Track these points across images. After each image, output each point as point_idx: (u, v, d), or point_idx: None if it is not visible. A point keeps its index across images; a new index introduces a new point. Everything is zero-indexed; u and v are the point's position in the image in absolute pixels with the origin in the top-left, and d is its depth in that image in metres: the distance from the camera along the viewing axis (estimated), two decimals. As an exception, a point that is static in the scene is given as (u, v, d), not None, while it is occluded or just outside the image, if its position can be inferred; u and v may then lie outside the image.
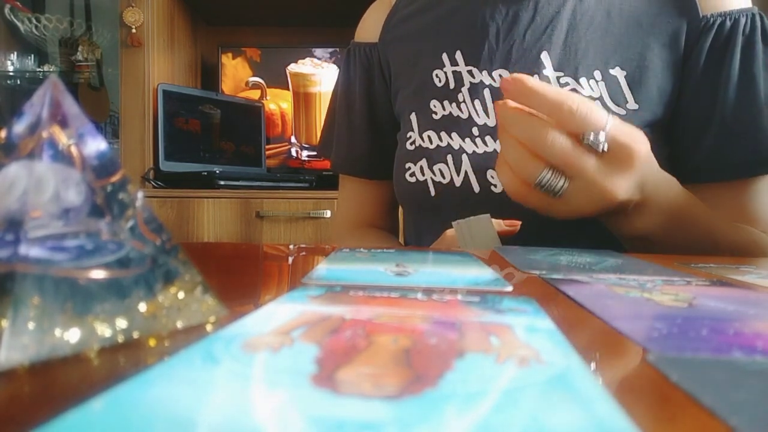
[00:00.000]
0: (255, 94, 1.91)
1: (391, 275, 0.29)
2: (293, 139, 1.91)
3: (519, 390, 0.12)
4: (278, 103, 1.91)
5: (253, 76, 1.91)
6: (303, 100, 1.90)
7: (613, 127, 0.42)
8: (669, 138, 0.61)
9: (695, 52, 0.59)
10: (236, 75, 1.92)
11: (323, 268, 0.31)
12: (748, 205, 0.59)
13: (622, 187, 0.43)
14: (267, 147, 1.89)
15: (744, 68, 0.58)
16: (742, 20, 0.58)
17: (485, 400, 0.11)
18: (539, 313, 0.20)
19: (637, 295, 0.24)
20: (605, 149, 0.41)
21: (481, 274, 0.30)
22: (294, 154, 1.91)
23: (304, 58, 1.89)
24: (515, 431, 0.10)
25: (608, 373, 0.15)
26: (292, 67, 1.89)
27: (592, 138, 0.41)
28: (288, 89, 1.91)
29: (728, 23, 0.58)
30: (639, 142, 0.43)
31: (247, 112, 1.87)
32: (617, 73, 0.59)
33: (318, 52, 1.89)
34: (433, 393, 0.12)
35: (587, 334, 0.19)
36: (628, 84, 0.59)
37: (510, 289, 0.26)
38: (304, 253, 0.46)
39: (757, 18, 0.58)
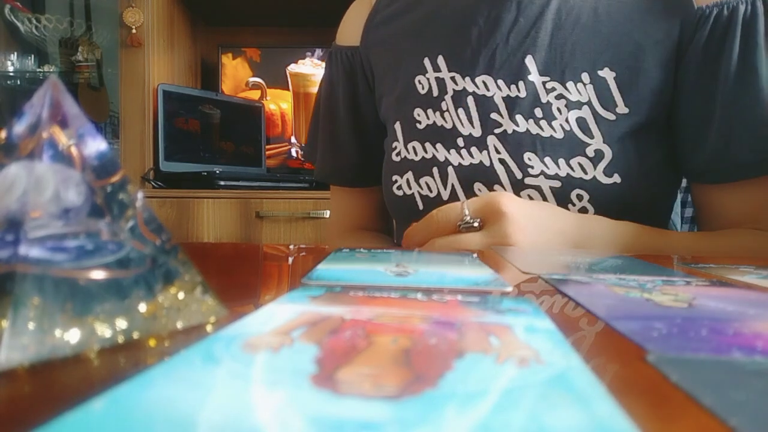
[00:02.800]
0: (255, 95, 1.91)
1: (391, 275, 0.29)
2: (293, 140, 1.91)
3: (519, 390, 0.12)
4: (278, 103, 1.91)
5: (253, 76, 1.91)
6: (303, 100, 1.90)
7: (469, 202, 0.49)
8: (665, 138, 0.59)
9: (692, 47, 0.56)
10: (236, 75, 1.92)
11: (323, 268, 0.31)
12: (758, 205, 0.57)
13: (513, 236, 0.46)
14: (267, 147, 1.89)
15: (743, 61, 0.54)
16: (741, 8, 0.54)
17: (485, 401, 0.11)
18: (539, 314, 0.20)
19: (637, 295, 0.24)
20: (478, 221, 0.48)
21: (481, 274, 0.30)
22: (294, 154, 1.91)
23: (304, 58, 1.89)
24: (515, 431, 0.10)
25: (608, 373, 0.15)
26: (292, 68, 1.89)
27: (463, 222, 0.48)
28: (288, 89, 1.91)
29: (726, 13, 0.54)
30: (498, 195, 0.48)
31: (247, 112, 1.86)
32: (606, 74, 0.56)
33: (318, 52, 1.89)
34: (433, 393, 0.12)
35: (587, 334, 0.19)
36: (618, 86, 0.56)
37: (510, 289, 0.26)
38: (304, 253, 0.46)
39: (758, 4, 0.54)
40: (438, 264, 0.34)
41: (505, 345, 0.16)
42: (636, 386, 0.14)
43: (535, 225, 0.47)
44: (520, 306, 0.21)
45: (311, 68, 1.88)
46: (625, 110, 0.56)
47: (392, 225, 0.82)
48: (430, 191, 0.61)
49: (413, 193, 0.62)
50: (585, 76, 0.57)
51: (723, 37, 0.55)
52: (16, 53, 1.83)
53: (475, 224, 0.48)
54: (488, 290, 0.25)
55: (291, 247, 0.50)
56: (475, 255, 0.39)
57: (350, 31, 0.73)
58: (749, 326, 0.19)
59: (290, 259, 0.43)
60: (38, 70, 1.84)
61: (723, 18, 0.55)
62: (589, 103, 0.56)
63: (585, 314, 0.21)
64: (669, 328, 0.18)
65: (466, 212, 0.48)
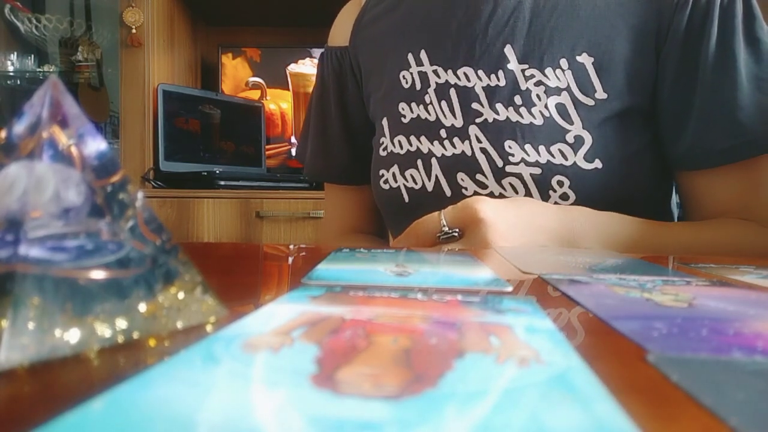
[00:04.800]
0: (255, 94, 1.91)
1: (391, 275, 0.29)
2: (293, 139, 1.91)
3: (519, 390, 0.12)
4: (278, 103, 1.91)
5: (253, 76, 1.91)
6: (303, 100, 1.90)
7: (446, 212, 0.48)
8: (649, 126, 0.59)
9: (671, 33, 0.56)
10: (236, 75, 1.92)
11: (323, 268, 0.31)
12: (740, 192, 0.56)
13: (493, 242, 0.45)
14: (267, 147, 1.89)
15: (722, 46, 0.54)
16: None
17: (485, 401, 0.11)
18: (539, 313, 0.20)
19: (637, 295, 0.24)
20: (458, 231, 0.48)
21: (481, 274, 0.30)
22: (294, 154, 1.91)
23: (304, 58, 1.89)
24: (515, 431, 0.10)
25: (608, 373, 0.15)
26: (292, 67, 1.89)
27: (442, 233, 0.48)
28: (288, 89, 1.91)
29: None
30: (473, 201, 0.48)
31: (247, 112, 1.86)
32: (584, 59, 0.57)
33: (318, 52, 1.89)
34: (433, 393, 0.12)
35: (587, 334, 0.19)
36: (596, 71, 0.56)
37: (510, 289, 0.26)
38: (304, 253, 0.46)
39: None
40: (438, 264, 0.34)
41: (506, 345, 0.16)
42: (636, 386, 0.14)
43: (514, 226, 0.47)
44: (520, 306, 0.21)
45: (311, 68, 1.88)
46: (604, 95, 0.56)
47: (386, 227, 0.83)
48: (415, 183, 0.62)
49: (399, 186, 0.63)
50: (563, 62, 0.57)
51: (702, 23, 0.55)
52: (16, 53, 1.83)
53: (455, 234, 0.47)
54: (488, 290, 0.25)
55: (291, 247, 0.50)
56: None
57: (340, 32, 0.75)
58: (749, 326, 0.19)
59: (290, 259, 0.43)
60: (38, 70, 1.83)
61: (701, 3, 0.55)
62: (568, 89, 0.57)
63: (585, 314, 0.21)
64: (669, 328, 0.18)
65: (444, 223, 0.48)
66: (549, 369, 0.14)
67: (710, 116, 0.55)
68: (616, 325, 0.19)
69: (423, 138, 0.62)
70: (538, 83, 0.57)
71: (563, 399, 0.12)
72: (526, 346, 0.16)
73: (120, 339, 0.16)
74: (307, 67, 1.89)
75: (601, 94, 0.56)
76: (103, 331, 0.16)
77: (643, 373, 0.14)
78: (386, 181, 0.64)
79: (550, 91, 0.57)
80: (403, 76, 0.65)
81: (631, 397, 0.13)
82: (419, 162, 0.61)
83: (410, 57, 0.64)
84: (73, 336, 0.15)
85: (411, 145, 0.62)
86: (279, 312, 0.19)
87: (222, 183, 1.54)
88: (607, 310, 0.21)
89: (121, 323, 0.16)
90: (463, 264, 0.34)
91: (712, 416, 0.11)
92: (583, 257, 0.40)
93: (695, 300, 0.24)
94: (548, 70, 0.57)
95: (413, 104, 0.63)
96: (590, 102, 0.56)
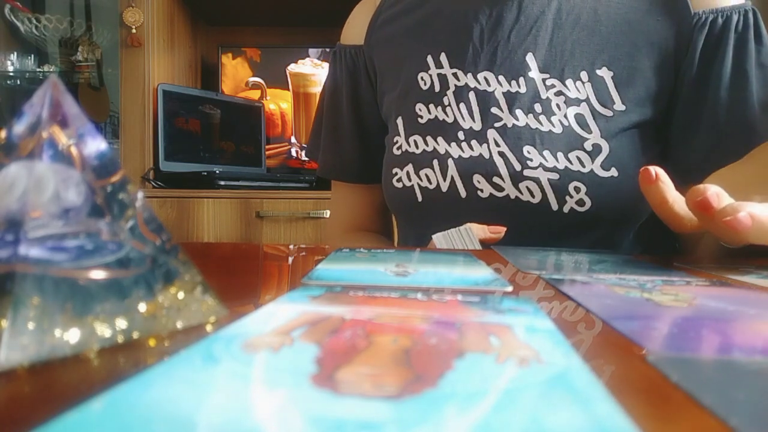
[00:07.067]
0: (255, 94, 1.91)
1: (391, 275, 0.29)
2: (293, 139, 1.91)
3: (519, 390, 0.12)
4: (278, 103, 1.91)
5: (253, 76, 1.91)
6: (303, 100, 1.90)
7: None
8: (660, 137, 0.61)
9: (690, 51, 0.58)
10: (236, 75, 1.92)
11: (323, 268, 0.31)
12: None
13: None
14: (267, 147, 1.89)
15: (736, 67, 0.57)
16: (735, 17, 0.57)
17: (485, 400, 0.11)
18: (539, 313, 0.20)
19: (637, 295, 0.24)
20: None
21: (481, 274, 0.30)
22: (294, 154, 1.90)
23: (304, 58, 1.89)
24: (515, 431, 0.10)
25: (608, 373, 0.15)
26: (292, 67, 1.89)
27: None
28: (288, 89, 1.91)
29: (720, 20, 0.57)
30: None
31: (247, 112, 1.86)
32: (604, 73, 0.58)
33: (317, 52, 1.89)
34: (433, 393, 0.12)
35: (587, 334, 0.19)
36: (615, 85, 0.58)
37: (510, 289, 0.26)
38: (304, 253, 0.46)
39: (750, 14, 0.57)
40: (438, 264, 0.34)
41: (506, 345, 0.16)
42: (636, 386, 0.14)
43: None
44: (520, 306, 0.21)
45: (311, 68, 1.88)
46: (623, 107, 0.58)
47: (392, 226, 0.82)
48: (430, 183, 0.62)
49: (413, 185, 0.63)
50: (584, 75, 0.59)
51: (717, 43, 0.57)
52: (16, 53, 1.83)
53: None
54: (488, 290, 0.25)
55: (291, 247, 0.50)
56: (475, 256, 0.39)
57: (355, 30, 0.75)
58: (749, 326, 0.19)
59: (290, 259, 0.43)
60: (38, 70, 1.83)
61: (718, 25, 0.57)
62: (587, 101, 0.58)
63: (585, 314, 0.21)
64: (669, 328, 0.18)
65: None
66: (549, 369, 0.14)
67: (720, 133, 0.57)
68: (616, 325, 0.19)
69: (440, 139, 0.62)
70: (558, 93, 0.59)
71: (563, 399, 0.12)
72: (526, 346, 0.16)
73: (120, 339, 0.16)
74: (307, 67, 1.89)
75: (619, 106, 0.58)
76: (103, 331, 0.16)
77: (643, 373, 0.14)
78: (399, 180, 0.64)
79: (569, 102, 0.58)
80: (422, 78, 0.65)
81: (631, 397, 0.13)
82: (435, 162, 0.62)
83: (429, 59, 0.65)
84: (73, 336, 0.15)
85: (427, 145, 0.63)
86: (279, 312, 0.19)
87: (222, 183, 1.54)
88: (607, 310, 0.21)
89: (121, 323, 0.16)
90: (464, 264, 0.34)
91: (712, 416, 0.11)
92: (584, 257, 0.40)
93: (695, 300, 0.24)
94: (569, 82, 0.59)
95: (431, 105, 0.64)
96: (609, 113, 0.58)
